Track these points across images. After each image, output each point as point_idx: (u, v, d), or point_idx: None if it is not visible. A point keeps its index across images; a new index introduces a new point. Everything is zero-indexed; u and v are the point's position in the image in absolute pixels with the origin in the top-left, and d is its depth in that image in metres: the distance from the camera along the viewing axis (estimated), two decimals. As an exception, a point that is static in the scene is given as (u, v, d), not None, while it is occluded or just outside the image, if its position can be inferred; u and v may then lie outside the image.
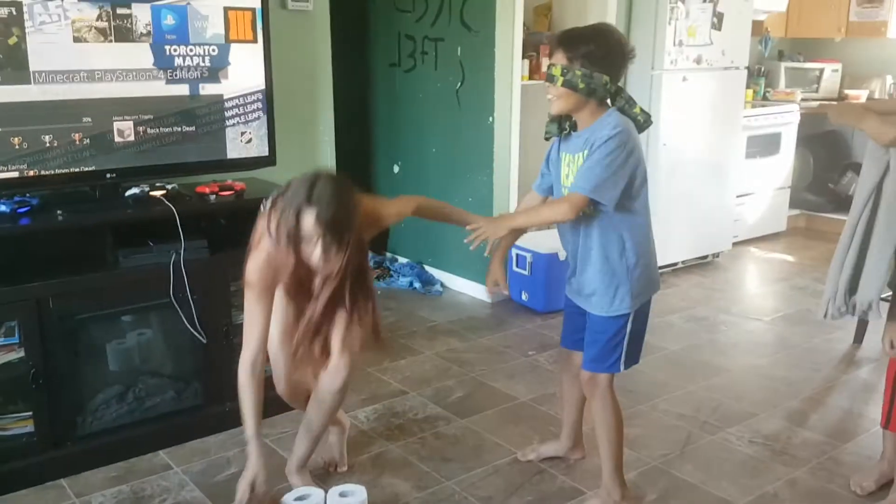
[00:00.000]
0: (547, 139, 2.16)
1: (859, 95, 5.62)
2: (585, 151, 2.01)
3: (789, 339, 3.74)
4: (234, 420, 2.77)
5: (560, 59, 1.99)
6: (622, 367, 2.20)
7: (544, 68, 4.45)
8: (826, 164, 5.84)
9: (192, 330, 2.63)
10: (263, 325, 2.13)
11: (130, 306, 2.65)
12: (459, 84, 4.11)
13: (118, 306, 2.62)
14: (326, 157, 3.37)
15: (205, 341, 2.67)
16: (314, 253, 1.99)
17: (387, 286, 4.45)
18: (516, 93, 4.04)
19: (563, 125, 2.08)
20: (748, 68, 4.92)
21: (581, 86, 1.96)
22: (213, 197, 2.75)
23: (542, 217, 2.16)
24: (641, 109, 2.03)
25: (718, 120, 4.72)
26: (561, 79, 1.97)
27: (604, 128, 1.99)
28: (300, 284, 2.16)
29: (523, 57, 4.11)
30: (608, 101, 2.04)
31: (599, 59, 1.96)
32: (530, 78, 4.19)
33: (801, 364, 3.43)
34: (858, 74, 5.83)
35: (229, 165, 2.86)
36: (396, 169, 4.74)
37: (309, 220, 1.94)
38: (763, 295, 4.55)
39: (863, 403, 3.04)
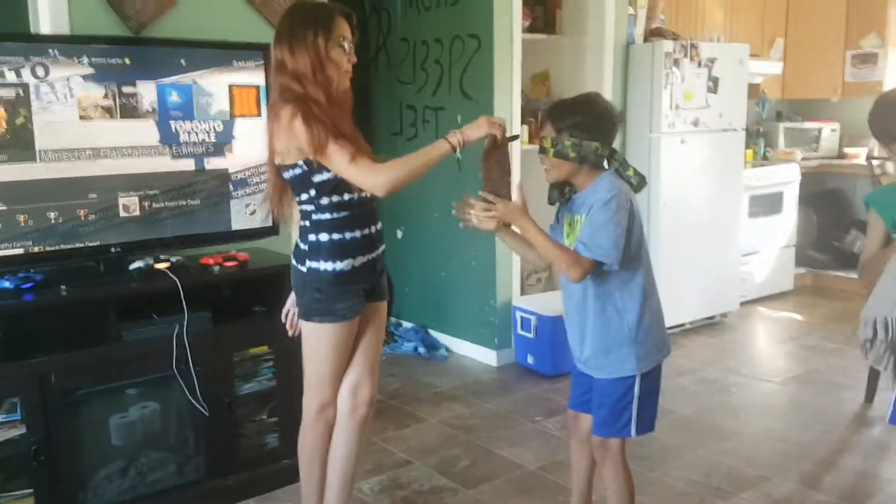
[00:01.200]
0: (551, 204, 2.21)
1: (858, 153, 5.67)
2: (584, 214, 2.05)
3: (800, 400, 3.68)
4: (237, 493, 2.75)
5: (549, 131, 2.06)
6: (633, 433, 2.15)
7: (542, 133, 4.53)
8: (830, 222, 5.86)
9: (194, 402, 2.62)
10: None
11: (133, 380, 2.64)
12: (460, 152, 4.16)
13: (121, 380, 2.61)
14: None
15: (207, 414, 2.65)
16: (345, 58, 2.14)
17: (391, 351, 4.43)
18: (517, 157, 4.10)
19: (563, 190, 2.15)
20: (746, 129, 4.99)
21: (572, 154, 2.02)
22: (217, 268, 2.76)
23: (553, 255, 2.05)
24: (635, 171, 2.07)
25: (719, 180, 4.77)
26: (552, 150, 2.04)
27: (599, 191, 2.03)
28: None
29: (522, 123, 4.19)
30: (603, 164, 2.08)
31: (588, 127, 2.03)
32: (530, 143, 4.26)
33: (813, 425, 3.36)
34: (857, 133, 5.89)
35: (234, 237, 2.89)
36: (400, 234, 4.77)
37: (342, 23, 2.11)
38: (773, 355, 4.50)
39: (876, 463, 2.98)
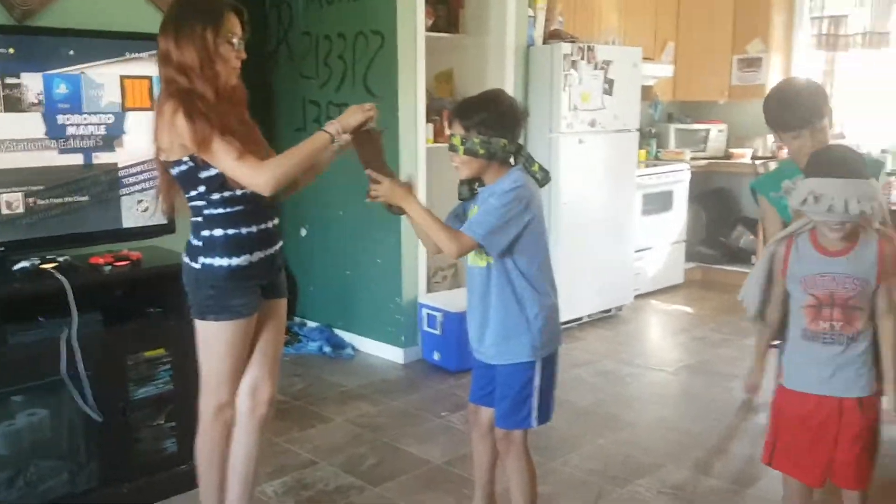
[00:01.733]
0: (463, 200, 2.25)
1: (744, 153, 6.00)
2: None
3: (691, 390, 3.87)
4: (133, 501, 2.65)
5: (458, 129, 2.10)
6: (534, 423, 2.21)
7: (447, 132, 4.57)
8: (718, 219, 6.17)
9: (85, 408, 2.50)
10: None
11: (20, 386, 2.49)
12: (365, 148, 4.15)
13: (6, 386, 2.46)
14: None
15: (100, 420, 2.53)
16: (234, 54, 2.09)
17: (295, 352, 4.36)
18: (422, 156, 4.12)
19: (473, 187, 2.21)
20: (640, 130, 5.19)
21: (481, 151, 2.07)
22: (107, 268, 2.64)
23: (434, 233, 2.11)
24: (540, 167, 2.15)
25: (614, 179, 4.94)
26: (462, 147, 2.08)
27: (504, 182, 2.11)
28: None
29: (427, 121, 4.21)
30: (511, 160, 2.15)
31: (494, 124, 2.09)
32: (435, 141, 4.29)
33: (704, 414, 3.54)
34: (742, 134, 6.24)
35: (125, 235, 2.78)
36: (304, 232, 4.71)
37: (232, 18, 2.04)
38: (665, 346, 4.71)
39: (759, 448, 3.15)
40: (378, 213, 4.12)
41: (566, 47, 4.51)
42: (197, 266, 2.15)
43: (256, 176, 2.04)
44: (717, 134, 6.27)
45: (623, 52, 4.93)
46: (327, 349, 4.34)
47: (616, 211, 5.01)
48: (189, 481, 2.58)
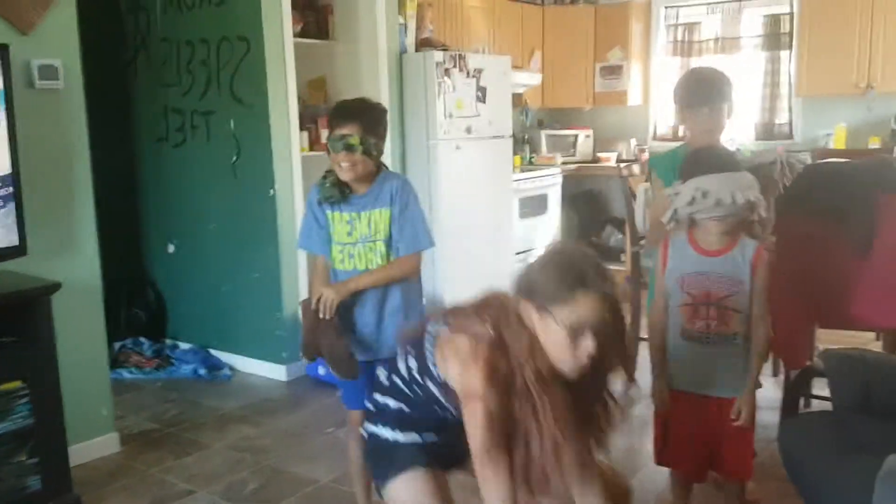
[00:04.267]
0: (332, 203, 2.26)
1: (609, 157, 6.25)
2: (385, 209, 2.22)
3: (573, 386, 3.94)
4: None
5: (355, 129, 2.15)
6: None
7: (324, 139, 4.49)
8: (588, 219, 6.39)
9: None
10: None
11: None
12: (235, 157, 3.99)
13: None
14: (88, 243, 3.08)
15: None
16: (583, 347, 1.54)
17: (168, 376, 4.12)
18: (297, 164, 4.00)
19: (344, 189, 2.24)
20: (513, 136, 5.29)
21: (375, 152, 2.18)
22: (-53, 295, 2.38)
23: (391, 275, 2.26)
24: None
25: (492, 184, 5.01)
26: (360, 147, 2.14)
27: (390, 179, 2.25)
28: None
29: (301, 129, 4.10)
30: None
31: (381, 126, 2.22)
32: (311, 149, 4.18)
33: (586, 409, 3.62)
34: (607, 138, 6.50)
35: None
36: (172, 248, 4.46)
37: (585, 306, 1.53)
38: (546, 346, 4.79)
39: (640, 438, 3.25)
40: (253, 225, 4.00)
41: (438, 55, 4.52)
42: None
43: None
44: (584, 139, 6.49)
45: (493, 60, 5.00)
46: (202, 371, 4.12)
47: (495, 215, 5.07)
48: (52, 523, 2.37)
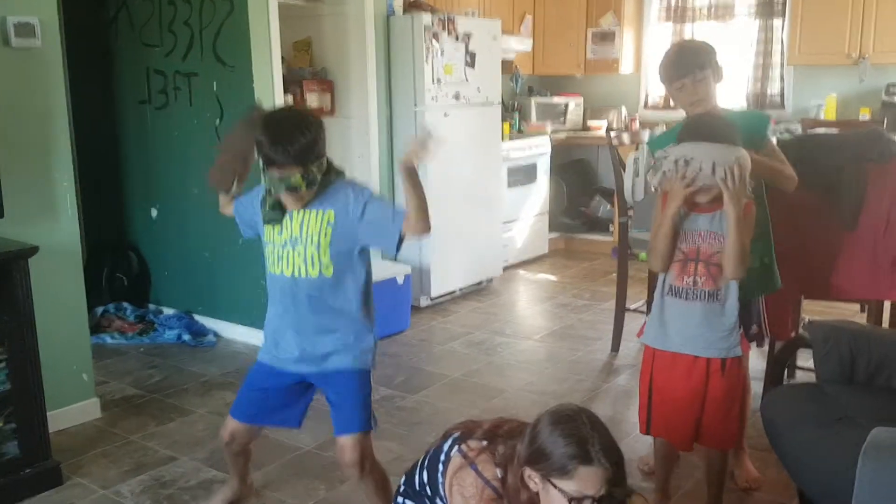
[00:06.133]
0: (273, 224, 2.10)
1: (600, 126, 6.19)
2: (327, 210, 2.04)
3: (557, 355, 3.96)
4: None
5: (295, 170, 1.97)
6: (374, 425, 2.18)
7: (309, 103, 4.43)
8: (577, 189, 6.36)
9: None
10: None
11: None
12: (219, 120, 3.91)
13: None
14: (67, 206, 3.02)
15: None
16: None
17: (151, 342, 4.09)
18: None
19: (284, 208, 2.08)
20: (503, 104, 5.22)
21: (319, 176, 2.02)
22: (-81, 258, 2.33)
23: (425, 207, 2.06)
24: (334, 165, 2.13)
25: (480, 152, 4.95)
26: (304, 184, 1.99)
27: (343, 189, 2.07)
28: None
29: (286, 92, 4.02)
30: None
31: (319, 148, 2.01)
32: (294, 115, 4.10)
33: (569, 377, 3.63)
34: (598, 107, 6.43)
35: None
36: (154, 213, 4.40)
37: (590, 479, 1.53)
38: (532, 314, 4.80)
39: (624, 408, 3.27)
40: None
41: (427, 18, 4.44)
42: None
43: None
44: (574, 107, 6.43)
45: (482, 24, 4.92)
46: (186, 337, 4.09)
47: (483, 184, 5.02)
48: (35, 485, 2.35)
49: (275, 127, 2.00)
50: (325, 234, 2.04)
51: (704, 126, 2.11)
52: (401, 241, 2.03)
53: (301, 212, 2.06)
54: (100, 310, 4.30)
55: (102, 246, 4.55)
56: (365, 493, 2.23)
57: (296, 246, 2.06)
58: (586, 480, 1.51)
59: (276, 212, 2.07)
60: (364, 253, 2.12)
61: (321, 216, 2.05)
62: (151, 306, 4.50)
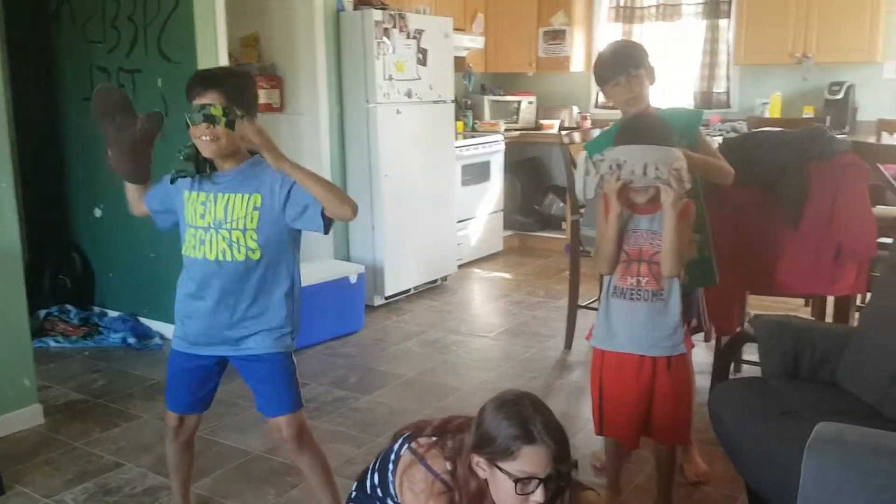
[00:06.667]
0: (182, 177, 2.01)
1: (552, 124, 6.23)
2: (253, 194, 1.96)
3: (511, 352, 3.97)
4: None
5: (216, 98, 1.88)
6: (302, 402, 2.16)
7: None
8: (531, 187, 6.39)
9: None
10: None
11: None
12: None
13: None
14: (6, 207, 2.91)
15: None
16: (531, 499, 1.53)
17: (95, 345, 3.98)
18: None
19: (201, 165, 1.99)
20: (455, 101, 5.21)
21: (240, 126, 1.91)
22: None
23: (333, 189, 1.96)
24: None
25: (434, 150, 4.93)
26: (224, 119, 1.88)
27: (272, 171, 1.95)
28: None
29: (233, 89, 3.94)
30: None
31: (248, 96, 1.94)
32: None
33: (523, 374, 3.64)
34: (550, 105, 6.47)
35: None
36: (98, 213, 4.28)
37: (535, 458, 1.53)
38: (487, 312, 4.80)
39: (577, 404, 3.29)
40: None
41: (377, 14, 4.40)
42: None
43: None
44: (527, 105, 6.45)
45: (434, 21, 4.90)
46: (132, 340, 3.99)
47: (437, 182, 5.01)
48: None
49: (204, 70, 2.01)
50: (252, 219, 1.97)
51: (638, 128, 2.13)
52: (328, 222, 1.95)
53: (225, 195, 1.98)
54: (42, 313, 4.17)
55: (45, 247, 4.41)
56: (305, 474, 2.22)
57: (219, 229, 1.98)
58: (531, 459, 1.52)
59: (188, 162, 1.97)
60: (295, 238, 2.06)
61: (247, 200, 1.97)
62: (96, 309, 4.38)
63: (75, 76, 4.17)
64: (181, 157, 1.97)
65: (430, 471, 1.64)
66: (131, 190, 2.17)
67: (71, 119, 4.27)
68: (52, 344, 3.98)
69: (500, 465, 1.53)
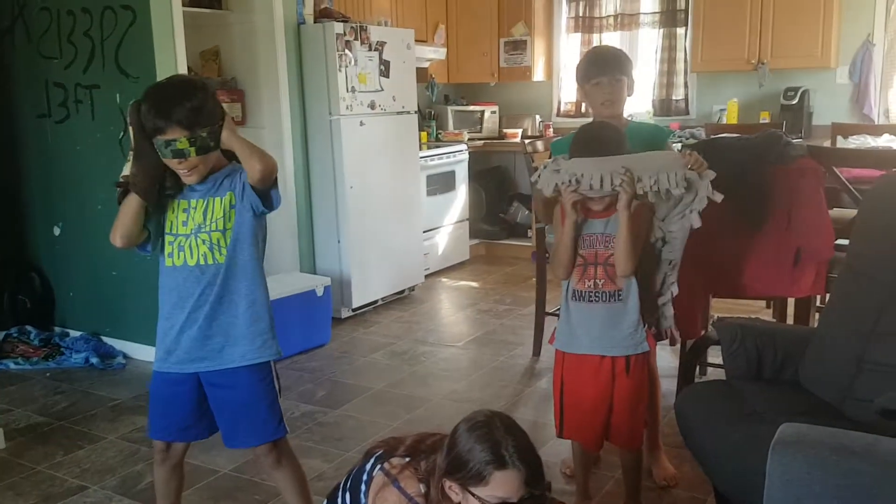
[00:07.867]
0: (153, 202, 1.96)
1: (516, 133, 6.27)
2: (225, 195, 1.96)
3: (480, 361, 3.97)
4: None
5: (177, 132, 1.83)
6: (286, 428, 2.11)
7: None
8: (496, 196, 6.42)
9: None
10: None
11: None
12: (122, 134, 3.76)
13: None
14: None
15: None
16: None
17: (57, 366, 3.89)
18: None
19: (168, 184, 1.95)
20: (419, 112, 5.22)
21: (212, 144, 1.88)
22: None
23: (259, 152, 1.91)
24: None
25: (398, 161, 4.93)
26: (193, 150, 1.85)
27: (239, 170, 1.95)
28: None
29: (194, 104, 3.90)
30: None
31: (207, 110, 1.87)
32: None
33: (492, 382, 3.65)
34: (513, 114, 6.52)
35: None
36: (57, 231, 4.20)
37: (506, 483, 1.52)
38: (455, 322, 4.80)
39: (546, 412, 3.30)
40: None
41: (338, 26, 4.39)
42: None
43: None
44: (490, 115, 6.49)
45: (396, 33, 4.91)
46: (94, 360, 3.91)
47: (402, 193, 5.00)
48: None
49: (156, 94, 1.88)
50: (230, 217, 1.96)
51: (592, 140, 2.18)
52: (262, 194, 1.93)
53: (205, 200, 1.96)
54: (1, 334, 4.08)
55: (2, 267, 4.31)
56: (281, 487, 2.18)
57: (199, 234, 1.96)
58: (503, 485, 1.51)
59: (152, 189, 1.92)
60: (262, 237, 2.03)
61: (224, 201, 1.96)
62: (57, 329, 4.29)
63: (30, 92, 4.09)
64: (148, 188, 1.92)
65: (402, 493, 1.62)
66: (132, 209, 1.97)
67: (27, 135, 4.18)
68: (13, 366, 3.89)
69: (473, 490, 1.52)
